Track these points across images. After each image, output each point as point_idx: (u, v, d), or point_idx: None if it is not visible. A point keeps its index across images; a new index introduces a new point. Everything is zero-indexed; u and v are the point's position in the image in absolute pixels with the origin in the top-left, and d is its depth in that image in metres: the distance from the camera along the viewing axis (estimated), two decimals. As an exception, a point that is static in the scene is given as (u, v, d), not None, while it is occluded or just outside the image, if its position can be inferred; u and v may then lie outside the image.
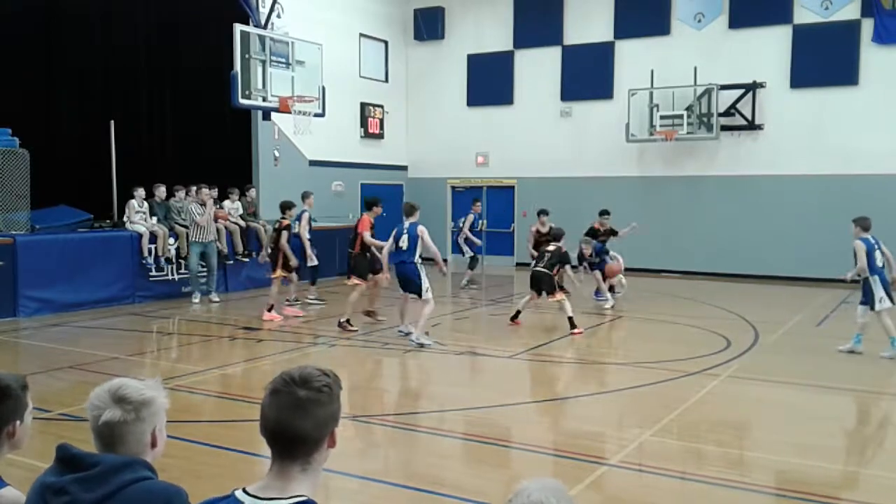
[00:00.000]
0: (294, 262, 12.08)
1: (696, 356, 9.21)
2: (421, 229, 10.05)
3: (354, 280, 11.18)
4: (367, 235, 11.12)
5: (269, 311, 11.77)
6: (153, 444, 2.27)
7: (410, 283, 10.06)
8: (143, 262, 13.38)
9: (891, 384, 8.08)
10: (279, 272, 11.93)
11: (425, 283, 9.94)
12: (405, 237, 10.04)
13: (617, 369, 8.71)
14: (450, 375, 8.97)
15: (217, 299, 13.75)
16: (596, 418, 7.06)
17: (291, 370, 1.97)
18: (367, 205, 11.61)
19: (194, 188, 14.44)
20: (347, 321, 10.87)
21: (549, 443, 6.40)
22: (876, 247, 9.27)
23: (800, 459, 5.78)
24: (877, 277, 9.12)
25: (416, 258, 9.98)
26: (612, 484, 5.36)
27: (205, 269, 13.87)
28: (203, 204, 13.56)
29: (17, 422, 2.46)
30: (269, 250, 12.43)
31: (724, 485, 5.28)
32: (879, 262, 9.21)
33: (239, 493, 1.95)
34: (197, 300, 13.49)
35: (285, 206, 12.20)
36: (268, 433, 1.94)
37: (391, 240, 10.24)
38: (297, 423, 1.90)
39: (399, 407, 7.44)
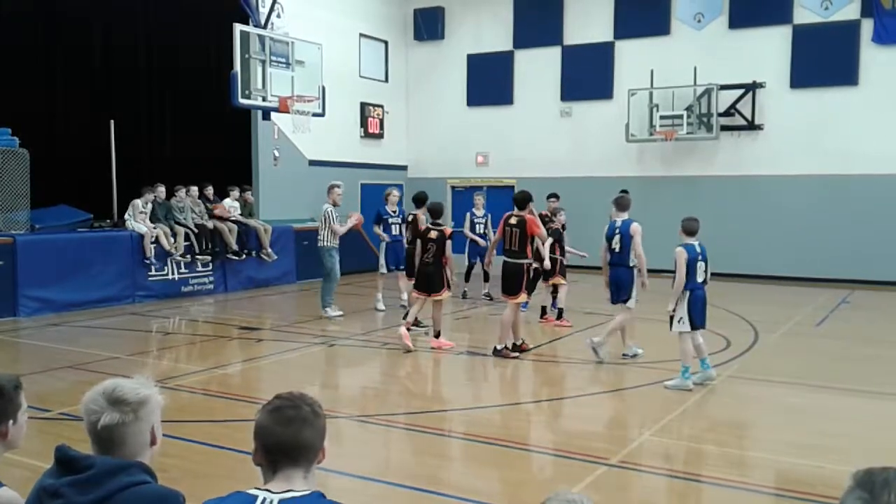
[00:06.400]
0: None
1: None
2: (634, 227, 8.84)
3: (522, 296, 9.28)
4: (541, 236, 9.48)
5: (437, 337, 9.72)
6: (152, 442, 2.28)
7: (622, 291, 8.88)
8: (147, 261, 13.34)
9: (891, 384, 8.07)
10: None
11: (635, 291, 8.94)
12: (617, 237, 8.86)
13: (617, 369, 8.70)
14: (450, 375, 8.97)
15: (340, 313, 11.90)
16: (596, 418, 7.07)
17: (282, 393, 2.22)
18: (523, 202, 9.24)
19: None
20: (506, 347, 9.15)
21: (549, 443, 6.40)
22: (700, 258, 7.77)
23: (800, 459, 5.78)
24: (688, 293, 7.67)
25: (632, 260, 8.84)
26: (612, 484, 5.35)
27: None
28: (335, 204, 11.89)
29: (10, 422, 2.46)
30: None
31: (724, 485, 5.28)
32: (699, 277, 7.76)
33: (250, 490, 2.10)
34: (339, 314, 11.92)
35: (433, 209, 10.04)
36: (273, 446, 2.12)
37: (605, 241, 9.02)
38: (304, 433, 2.12)
39: (399, 407, 7.43)
